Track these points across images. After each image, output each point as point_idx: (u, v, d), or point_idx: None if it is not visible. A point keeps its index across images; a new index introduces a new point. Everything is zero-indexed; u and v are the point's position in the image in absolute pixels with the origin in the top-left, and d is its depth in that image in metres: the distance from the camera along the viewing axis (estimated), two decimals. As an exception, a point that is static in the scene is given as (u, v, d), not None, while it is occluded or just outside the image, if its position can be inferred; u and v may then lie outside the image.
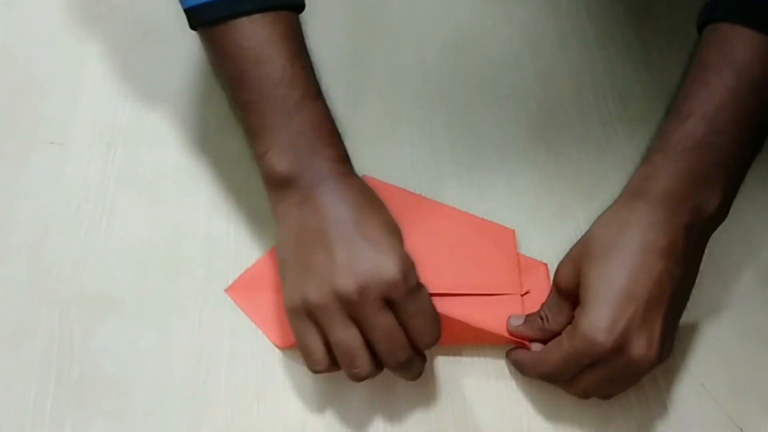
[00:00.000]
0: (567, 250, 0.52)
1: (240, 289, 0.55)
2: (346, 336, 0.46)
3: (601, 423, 0.52)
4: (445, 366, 0.53)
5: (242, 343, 0.53)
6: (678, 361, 0.54)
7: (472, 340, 0.54)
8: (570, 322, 0.49)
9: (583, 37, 0.70)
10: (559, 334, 0.49)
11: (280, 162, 0.49)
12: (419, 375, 0.49)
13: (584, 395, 0.50)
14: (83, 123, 0.62)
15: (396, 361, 0.47)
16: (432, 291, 0.54)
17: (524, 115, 0.65)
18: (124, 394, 0.51)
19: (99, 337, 0.53)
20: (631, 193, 0.50)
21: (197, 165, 0.61)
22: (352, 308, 0.45)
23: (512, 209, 0.59)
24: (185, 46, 0.67)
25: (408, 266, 0.46)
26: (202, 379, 0.52)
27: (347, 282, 0.45)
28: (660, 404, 0.52)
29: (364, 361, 0.46)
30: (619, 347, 0.46)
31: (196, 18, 0.51)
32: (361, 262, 0.46)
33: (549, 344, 0.50)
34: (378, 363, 0.47)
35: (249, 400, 0.51)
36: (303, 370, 0.52)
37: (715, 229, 0.51)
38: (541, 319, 0.52)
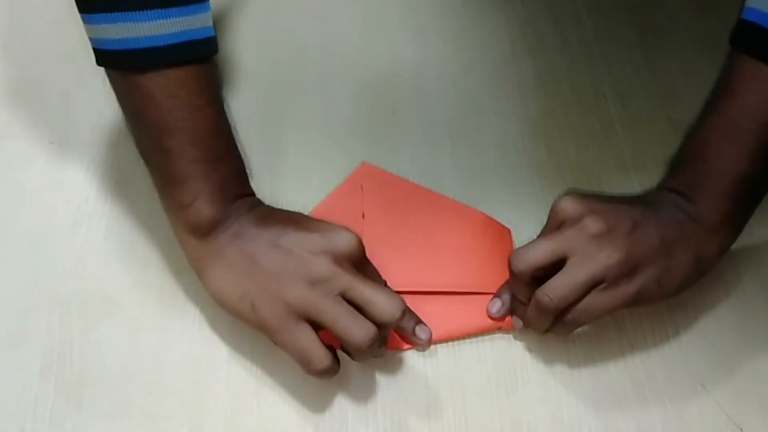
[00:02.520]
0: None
1: None
2: (338, 308, 0.46)
3: (601, 422, 0.52)
4: (445, 366, 0.53)
5: (242, 343, 0.53)
6: (678, 361, 0.54)
7: (463, 335, 0.54)
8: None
9: (583, 37, 0.70)
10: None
11: (209, 209, 0.49)
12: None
13: (557, 287, 0.49)
14: (83, 123, 0.62)
15: (398, 310, 0.47)
16: (426, 288, 0.54)
17: (524, 115, 0.65)
18: (124, 394, 0.51)
19: (99, 337, 0.53)
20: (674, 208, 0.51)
21: (197, 165, 0.61)
22: (334, 283, 0.46)
23: (512, 209, 0.59)
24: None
25: (353, 234, 0.48)
26: (202, 379, 0.52)
27: (318, 267, 0.47)
28: (660, 404, 0.52)
29: (364, 327, 0.46)
30: (577, 212, 0.49)
31: (118, 60, 0.47)
32: (321, 245, 0.47)
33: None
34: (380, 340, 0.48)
35: (249, 400, 0.51)
36: (303, 370, 0.52)
37: (718, 245, 0.52)
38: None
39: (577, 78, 0.67)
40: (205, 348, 0.53)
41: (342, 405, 0.52)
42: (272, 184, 0.60)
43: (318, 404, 0.51)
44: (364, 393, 0.52)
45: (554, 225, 0.51)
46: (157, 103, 0.47)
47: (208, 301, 0.54)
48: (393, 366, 0.53)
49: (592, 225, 0.49)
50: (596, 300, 0.48)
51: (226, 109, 0.52)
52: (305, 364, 0.47)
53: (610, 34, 0.70)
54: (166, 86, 0.47)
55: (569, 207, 0.50)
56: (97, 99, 0.63)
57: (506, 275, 0.56)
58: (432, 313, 0.54)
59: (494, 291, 0.55)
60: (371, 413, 0.51)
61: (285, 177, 0.61)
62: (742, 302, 0.57)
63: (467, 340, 0.54)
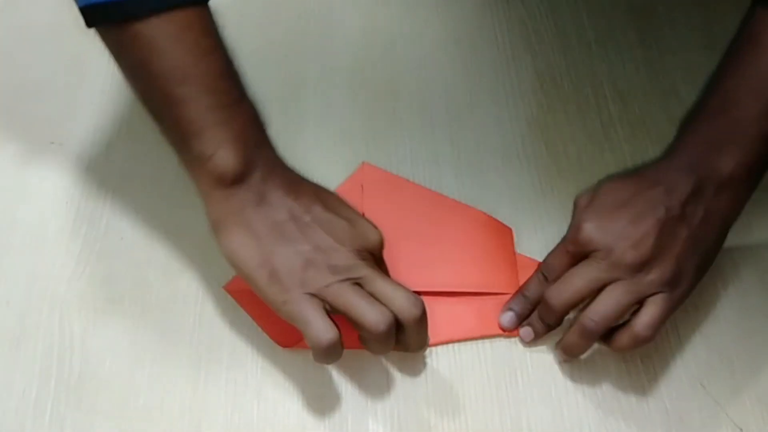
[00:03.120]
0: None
1: (239, 287, 0.55)
2: (353, 293, 0.46)
3: (601, 423, 0.52)
4: (445, 367, 0.53)
5: (242, 343, 0.53)
6: (678, 361, 0.54)
7: (464, 338, 0.54)
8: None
9: (583, 37, 0.70)
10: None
11: (231, 160, 0.46)
12: (425, 337, 0.51)
13: (602, 310, 0.49)
14: (83, 123, 0.62)
15: (417, 311, 0.47)
16: (429, 288, 0.54)
17: (524, 115, 0.65)
18: (124, 394, 0.51)
19: (99, 337, 0.53)
20: (699, 170, 0.51)
21: (197, 165, 0.61)
22: (354, 273, 0.47)
23: (512, 209, 0.59)
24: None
25: (379, 230, 0.49)
26: (202, 379, 0.52)
27: (342, 256, 0.47)
28: (660, 404, 0.52)
29: (381, 313, 0.46)
30: (596, 238, 0.49)
31: (116, 11, 0.44)
32: (348, 233, 0.48)
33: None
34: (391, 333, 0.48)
35: (249, 400, 0.51)
36: (303, 370, 0.52)
37: (738, 195, 0.51)
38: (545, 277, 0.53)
39: (577, 78, 0.67)
40: (205, 348, 0.53)
41: (342, 405, 0.52)
42: (272, 184, 0.60)
43: (318, 404, 0.51)
44: (364, 393, 0.52)
45: (579, 248, 0.50)
46: (164, 51, 0.45)
47: (208, 301, 0.54)
48: (393, 366, 0.53)
49: (626, 256, 0.49)
50: (654, 307, 0.49)
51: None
52: (312, 336, 0.46)
53: (610, 34, 0.70)
54: (170, 31, 0.45)
55: (595, 238, 0.50)
56: (97, 99, 0.63)
57: (507, 275, 0.56)
58: (432, 314, 0.54)
59: (495, 291, 0.55)
60: (371, 413, 0.51)
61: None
62: (742, 302, 0.57)
63: (467, 341, 0.54)
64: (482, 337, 0.54)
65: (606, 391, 0.53)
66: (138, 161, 0.60)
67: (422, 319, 0.48)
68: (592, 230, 0.50)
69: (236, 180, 0.47)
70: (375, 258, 0.49)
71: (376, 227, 0.49)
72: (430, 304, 0.53)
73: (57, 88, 0.64)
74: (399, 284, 0.48)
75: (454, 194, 0.60)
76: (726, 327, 0.56)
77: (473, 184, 0.61)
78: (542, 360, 0.54)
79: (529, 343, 0.54)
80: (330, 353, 0.46)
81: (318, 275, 0.46)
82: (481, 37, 0.70)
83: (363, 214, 0.55)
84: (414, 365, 0.53)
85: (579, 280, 0.50)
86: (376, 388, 0.52)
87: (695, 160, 0.51)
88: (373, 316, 0.46)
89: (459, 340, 0.54)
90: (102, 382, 0.51)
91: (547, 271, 0.53)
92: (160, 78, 0.45)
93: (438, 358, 0.54)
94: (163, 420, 0.50)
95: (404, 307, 0.47)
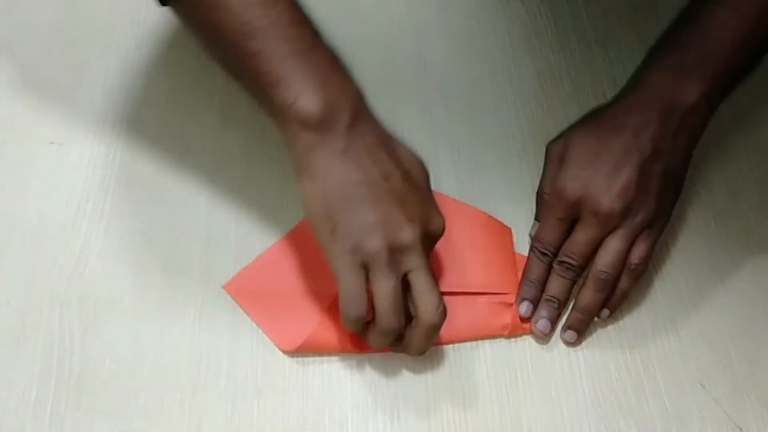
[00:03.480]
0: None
1: (239, 286, 0.55)
2: (390, 286, 0.47)
3: (601, 422, 0.52)
4: (445, 366, 0.53)
5: (242, 343, 0.53)
6: (678, 361, 0.54)
7: (464, 338, 0.54)
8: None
9: (583, 37, 0.70)
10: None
11: (314, 103, 0.46)
12: (429, 345, 0.51)
13: (609, 261, 0.53)
14: (83, 123, 0.62)
15: (437, 320, 0.48)
16: None
17: (524, 115, 0.65)
18: (124, 394, 0.51)
19: (99, 337, 0.53)
20: (662, 100, 0.54)
21: (197, 165, 0.61)
22: (406, 259, 0.48)
23: (512, 209, 0.59)
24: (185, 46, 0.67)
25: (444, 221, 0.51)
26: (202, 379, 0.52)
27: (406, 235, 0.47)
28: (660, 404, 0.52)
29: (399, 317, 0.48)
30: (582, 197, 0.53)
31: None
32: (418, 215, 0.49)
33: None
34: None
35: (249, 400, 0.51)
36: (303, 370, 0.52)
37: (700, 123, 0.55)
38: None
39: (577, 78, 0.67)
40: (205, 348, 0.53)
41: (342, 405, 0.52)
42: (272, 181, 0.60)
43: (318, 404, 0.51)
44: (364, 393, 0.52)
45: (569, 210, 0.54)
46: (230, 8, 0.46)
47: (208, 301, 0.55)
48: (393, 366, 0.53)
49: (615, 206, 0.52)
50: (643, 242, 0.53)
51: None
52: (345, 305, 0.48)
53: (610, 34, 0.70)
54: None
55: (582, 196, 0.53)
56: (97, 99, 0.63)
57: (507, 275, 0.56)
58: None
59: (495, 291, 0.55)
60: (371, 413, 0.51)
61: (285, 176, 0.60)
62: (742, 301, 0.57)
63: (467, 341, 0.54)
64: (483, 337, 0.54)
65: (606, 391, 0.53)
66: (138, 161, 0.60)
67: (438, 328, 0.49)
68: (575, 190, 0.53)
69: (320, 125, 0.47)
70: (431, 245, 0.50)
71: (442, 214, 0.50)
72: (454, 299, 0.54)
73: (57, 88, 0.64)
74: (436, 286, 0.49)
75: (454, 194, 0.60)
76: (726, 327, 0.56)
77: (473, 184, 0.61)
78: (542, 360, 0.54)
79: (547, 335, 0.54)
80: (354, 324, 0.49)
81: (375, 247, 0.47)
82: (481, 37, 0.70)
83: None
84: (414, 365, 0.53)
85: (583, 247, 0.53)
86: (376, 388, 0.52)
87: (661, 91, 0.54)
88: (387, 317, 0.48)
89: (459, 341, 0.54)
90: (102, 382, 0.51)
91: (545, 248, 0.55)
92: (232, 35, 0.47)
93: (438, 358, 0.54)
94: (163, 420, 0.50)
95: (429, 310, 0.48)
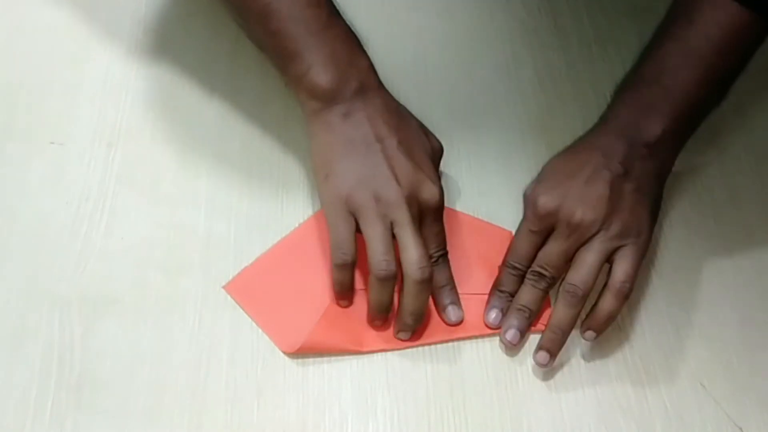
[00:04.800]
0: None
1: (240, 287, 0.55)
2: (380, 229, 0.50)
3: (600, 423, 0.52)
4: (445, 366, 0.53)
5: (242, 343, 0.53)
6: (678, 361, 0.54)
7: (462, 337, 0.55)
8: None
9: (583, 37, 0.70)
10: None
11: (323, 77, 0.53)
12: (425, 308, 0.52)
13: (579, 275, 0.52)
14: (83, 123, 0.62)
15: (422, 275, 0.50)
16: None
17: (524, 115, 0.65)
18: (124, 394, 0.51)
19: (99, 337, 0.53)
20: (623, 137, 0.56)
21: (197, 165, 0.61)
22: (392, 213, 0.51)
23: (512, 209, 0.59)
24: (185, 46, 0.67)
25: (440, 192, 0.53)
26: (202, 379, 0.52)
27: (392, 191, 0.51)
28: (660, 404, 0.52)
29: (390, 257, 0.50)
30: (556, 208, 0.53)
31: None
32: (407, 177, 0.51)
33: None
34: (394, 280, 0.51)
35: (249, 400, 0.51)
36: (303, 370, 0.52)
37: (668, 156, 0.56)
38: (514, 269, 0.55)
39: (577, 78, 0.67)
40: (205, 348, 0.53)
41: (342, 405, 0.52)
42: (272, 181, 0.60)
43: (318, 404, 0.51)
44: (364, 393, 0.52)
45: (542, 223, 0.54)
46: None
47: (208, 301, 0.55)
48: (393, 366, 0.53)
49: (587, 217, 0.52)
50: (625, 260, 0.52)
51: None
52: (334, 249, 0.51)
53: (610, 34, 0.70)
54: None
55: (554, 206, 0.53)
56: (97, 99, 0.63)
57: None
58: (431, 314, 0.54)
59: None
60: (371, 413, 0.51)
61: (285, 176, 0.61)
62: (742, 301, 0.57)
63: (467, 341, 0.54)
64: (480, 336, 0.54)
65: (606, 391, 0.53)
66: (138, 161, 0.60)
67: (423, 283, 0.50)
68: (548, 201, 0.54)
69: (327, 95, 0.53)
70: (424, 214, 0.52)
71: (439, 189, 0.52)
72: (430, 304, 0.54)
73: (57, 88, 0.64)
74: (421, 243, 0.50)
75: (454, 194, 0.60)
76: (726, 327, 0.56)
77: (473, 184, 0.61)
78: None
79: (516, 345, 0.54)
80: (341, 271, 0.52)
81: (362, 197, 0.51)
82: (481, 37, 0.70)
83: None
84: (414, 365, 0.53)
85: (555, 257, 0.53)
86: (376, 388, 0.52)
87: (626, 125, 0.55)
88: (377, 256, 0.50)
89: (457, 339, 0.54)
90: (102, 382, 0.51)
91: (517, 260, 0.55)
92: (256, 15, 0.54)
93: (438, 358, 0.54)
94: (163, 420, 0.50)
95: (413, 263, 0.50)
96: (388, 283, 0.51)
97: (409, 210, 0.51)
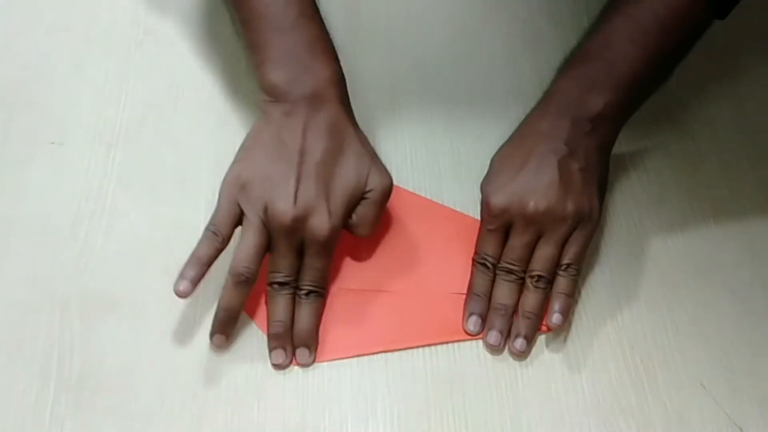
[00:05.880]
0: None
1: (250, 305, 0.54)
2: (254, 237, 0.51)
3: (600, 423, 0.52)
4: (445, 366, 0.53)
5: (242, 343, 0.53)
6: (678, 361, 0.54)
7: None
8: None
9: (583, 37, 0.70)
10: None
11: (273, 73, 0.53)
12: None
13: (540, 265, 0.54)
14: (83, 123, 0.62)
15: (238, 262, 0.50)
16: (416, 288, 0.55)
17: (524, 116, 0.65)
18: (124, 394, 0.51)
19: (99, 337, 0.53)
20: (568, 111, 0.56)
21: (197, 165, 0.61)
22: (271, 225, 0.50)
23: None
24: (185, 47, 0.67)
25: (334, 230, 0.51)
26: (202, 379, 0.52)
27: (283, 206, 0.50)
28: (660, 404, 0.52)
29: (256, 263, 0.50)
30: (508, 204, 0.54)
31: None
32: (304, 198, 0.50)
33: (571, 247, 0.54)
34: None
35: (249, 400, 0.51)
36: (303, 370, 0.52)
37: (609, 130, 0.57)
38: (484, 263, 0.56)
39: (577, 78, 0.67)
40: (205, 348, 0.53)
41: (342, 405, 0.51)
42: (272, 184, 0.60)
43: (318, 404, 0.51)
44: (364, 393, 0.52)
45: (499, 221, 0.54)
46: None
47: (208, 301, 0.54)
48: (393, 366, 0.53)
49: (540, 206, 0.53)
50: (575, 243, 0.54)
51: None
52: (208, 223, 0.52)
53: (610, 34, 0.70)
54: None
55: (507, 204, 0.54)
56: (97, 99, 0.63)
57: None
58: (424, 312, 0.55)
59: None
60: (371, 413, 0.51)
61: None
62: (742, 302, 0.57)
63: (467, 340, 0.54)
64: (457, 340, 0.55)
65: (606, 391, 0.53)
66: (138, 161, 0.60)
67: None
68: (501, 200, 0.54)
69: (276, 93, 0.53)
70: (306, 244, 0.51)
71: (331, 224, 0.50)
72: (420, 301, 0.54)
73: (57, 88, 0.64)
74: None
75: (454, 194, 0.60)
76: (726, 327, 0.56)
77: (473, 185, 0.61)
78: (542, 360, 0.54)
79: (500, 347, 0.54)
80: (209, 244, 0.51)
81: (254, 197, 0.51)
82: (481, 37, 0.70)
83: None
84: (414, 365, 0.53)
85: (519, 251, 0.54)
86: (376, 388, 0.52)
87: (569, 101, 0.56)
88: (237, 262, 0.50)
89: (443, 342, 0.54)
90: (102, 382, 0.51)
91: (484, 258, 0.55)
92: (236, 3, 0.56)
93: (438, 358, 0.54)
94: (163, 420, 0.50)
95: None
96: (241, 288, 0.51)
97: (288, 233, 0.50)
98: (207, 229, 0.51)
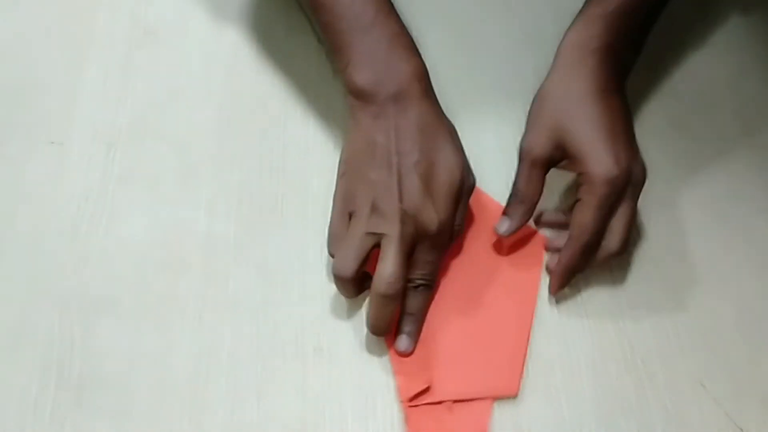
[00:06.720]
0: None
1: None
2: (360, 236, 0.51)
3: (601, 422, 0.52)
4: (445, 366, 0.53)
5: (242, 343, 0.53)
6: (678, 361, 0.54)
7: None
8: (542, 188, 0.55)
9: (583, 37, 0.70)
10: (536, 204, 0.55)
11: (358, 75, 0.53)
12: (387, 322, 0.52)
13: (621, 242, 0.53)
14: (83, 123, 0.62)
15: (388, 289, 0.50)
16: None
17: (524, 115, 0.65)
18: (124, 394, 0.51)
19: (99, 337, 0.53)
20: (576, 51, 0.57)
21: (197, 164, 0.61)
22: (382, 225, 0.50)
23: (512, 209, 0.59)
24: (185, 46, 0.67)
25: (445, 222, 0.52)
26: (202, 379, 0.52)
27: (391, 205, 0.50)
28: (660, 404, 0.52)
29: (353, 263, 0.50)
30: (629, 172, 0.53)
31: None
32: (410, 195, 0.51)
33: (575, 213, 0.53)
34: (357, 286, 0.52)
35: (249, 400, 0.51)
36: (303, 370, 0.52)
37: (624, 60, 0.59)
38: (522, 201, 0.55)
39: (577, 78, 0.67)
40: (205, 348, 0.53)
41: (342, 405, 0.51)
42: (271, 182, 0.60)
43: (318, 404, 0.51)
44: (364, 393, 0.52)
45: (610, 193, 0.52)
46: None
47: (208, 301, 0.55)
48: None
49: (636, 167, 0.54)
50: (626, 209, 0.53)
51: None
52: (328, 243, 0.54)
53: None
54: None
55: (614, 169, 0.52)
56: (97, 99, 0.63)
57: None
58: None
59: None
60: (371, 413, 0.51)
61: (285, 176, 0.61)
62: (742, 301, 0.57)
63: (467, 340, 0.54)
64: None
65: (606, 391, 0.53)
66: (138, 160, 0.60)
67: (386, 297, 0.50)
68: (616, 168, 0.52)
69: (363, 94, 0.53)
70: (418, 239, 0.51)
71: (441, 219, 0.51)
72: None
73: (57, 88, 0.64)
74: (401, 263, 0.50)
75: (454, 194, 0.60)
76: (726, 327, 0.56)
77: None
78: (542, 360, 0.54)
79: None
80: (336, 282, 0.52)
81: (362, 201, 0.51)
82: (481, 37, 0.70)
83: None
84: (414, 365, 0.53)
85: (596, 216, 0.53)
86: (376, 388, 0.52)
87: (615, 56, 0.56)
88: (340, 261, 0.51)
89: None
90: (102, 382, 0.51)
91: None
92: (310, 7, 0.57)
93: (438, 358, 0.54)
94: (163, 420, 0.50)
95: (381, 276, 0.50)
96: (341, 284, 0.52)
97: (402, 228, 0.50)
98: (327, 246, 0.54)
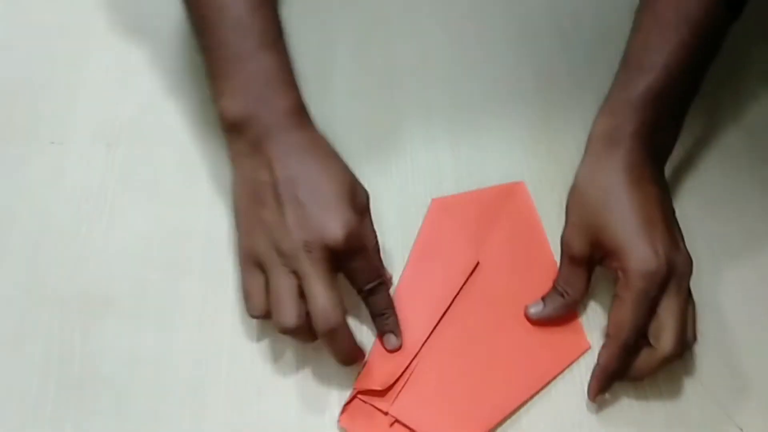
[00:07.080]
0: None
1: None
2: (283, 283, 0.48)
3: (601, 423, 0.52)
4: (445, 366, 0.53)
5: (242, 343, 0.53)
6: (678, 361, 0.54)
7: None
8: (587, 288, 0.54)
9: (583, 37, 0.70)
10: (578, 302, 0.54)
11: (232, 107, 0.51)
12: (347, 352, 0.49)
13: (674, 342, 0.49)
14: (83, 123, 0.62)
15: (326, 325, 0.47)
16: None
17: (524, 116, 0.65)
18: (124, 394, 0.51)
19: (99, 337, 0.53)
20: (605, 141, 0.54)
21: (197, 164, 0.61)
22: (294, 264, 0.48)
23: (512, 209, 0.59)
24: (185, 46, 0.67)
25: (351, 227, 0.49)
26: (202, 379, 0.52)
27: (288, 241, 0.48)
28: (660, 404, 0.52)
29: (292, 311, 0.47)
30: (670, 264, 0.49)
31: None
32: (306, 221, 0.48)
33: (612, 311, 0.50)
34: (311, 329, 0.48)
35: (249, 400, 0.51)
36: (303, 370, 0.52)
37: (669, 132, 0.56)
38: (561, 294, 0.54)
39: (577, 78, 0.67)
40: (205, 348, 0.53)
41: (342, 405, 0.51)
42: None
43: (318, 404, 0.51)
44: (364, 393, 0.52)
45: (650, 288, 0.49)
46: (197, 2, 0.53)
47: (208, 301, 0.55)
48: (393, 366, 0.53)
49: (680, 259, 0.51)
50: (673, 305, 0.50)
51: None
52: (245, 303, 0.51)
53: (610, 34, 0.70)
54: None
55: (653, 263, 0.49)
56: (97, 98, 0.63)
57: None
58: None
59: None
60: (371, 413, 0.51)
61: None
62: (743, 301, 0.57)
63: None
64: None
65: (606, 391, 0.53)
66: (138, 161, 0.60)
67: (331, 332, 0.47)
68: (656, 263, 0.49)
69: (235, 126, 0.51)
70: (337, 254, 0.48)
71: (343, 227, 0.48)
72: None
73: (57, 88, 0.64)
74: (328, 288, 0.47)
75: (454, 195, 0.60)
76: (726, 327, 0.56)
77: (473, 186, 0.61)
78: (542, 360, 0.54)
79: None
80: (256, 318, 0.50)
81: (263, 251, 0.49)
82: (481, 37, 0.70)
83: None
84: (414, 365, 0.53)
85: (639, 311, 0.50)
86: (376, 388, 0.52)
87: (647, 144, 0.53)
88: (281, 315, 0.48)
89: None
90: (102, 382, 0.51)
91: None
92: (195, 22, 0.54)
93: (438, 358, 0.54)
94: (163, 420, 0.50)
95: (316, 314, 0.47)
96: (296, 336, 0.49)
97: (310, 257, 0.47)
98: (248, 311, 0.50)
